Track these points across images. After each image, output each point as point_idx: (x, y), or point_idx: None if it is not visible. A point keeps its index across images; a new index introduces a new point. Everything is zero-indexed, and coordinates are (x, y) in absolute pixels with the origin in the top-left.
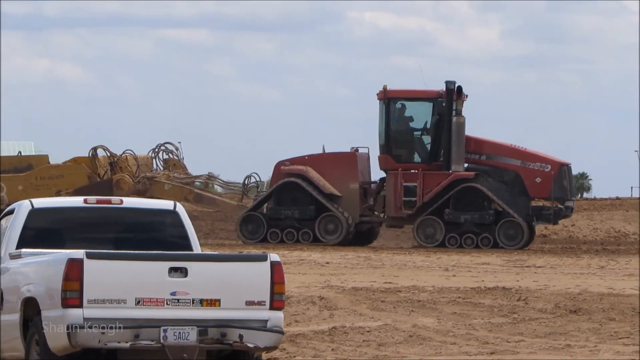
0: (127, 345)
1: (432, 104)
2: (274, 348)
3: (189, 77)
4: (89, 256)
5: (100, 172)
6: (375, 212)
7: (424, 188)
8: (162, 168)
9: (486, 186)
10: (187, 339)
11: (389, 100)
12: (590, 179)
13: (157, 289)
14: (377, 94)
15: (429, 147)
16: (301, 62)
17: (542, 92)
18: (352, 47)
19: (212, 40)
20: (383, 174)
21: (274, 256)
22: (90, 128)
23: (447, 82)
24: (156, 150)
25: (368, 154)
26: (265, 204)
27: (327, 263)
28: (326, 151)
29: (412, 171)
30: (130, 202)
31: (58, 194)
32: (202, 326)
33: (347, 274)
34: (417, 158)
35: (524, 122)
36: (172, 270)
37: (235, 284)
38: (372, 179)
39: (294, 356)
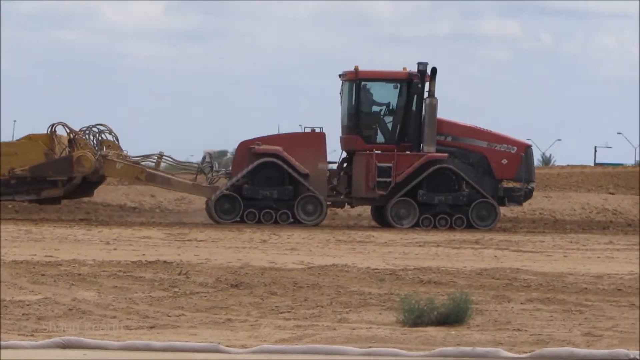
0: None
1: (402, 85)
2: None
3: None
4: None
5: (57, 150)
6: (335, 192)
7: (396, 169)
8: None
9: (457, 167)
10: None
11: (360, 81)
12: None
13: None
14: (344, 75)
15: (398, 128)
16: None
17: (207, 67)
18: (14, 20)
19: None
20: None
21: None
22: None
23: (419, 64)
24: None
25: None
26: (230, 184)
27: None
28: (280, 131)
29: (377, 152)
30: None
31: (11, 171)
32: None
33: (8, 247)
34: (387, 139)
35: (190, 97)
36: None
37: None
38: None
39: None
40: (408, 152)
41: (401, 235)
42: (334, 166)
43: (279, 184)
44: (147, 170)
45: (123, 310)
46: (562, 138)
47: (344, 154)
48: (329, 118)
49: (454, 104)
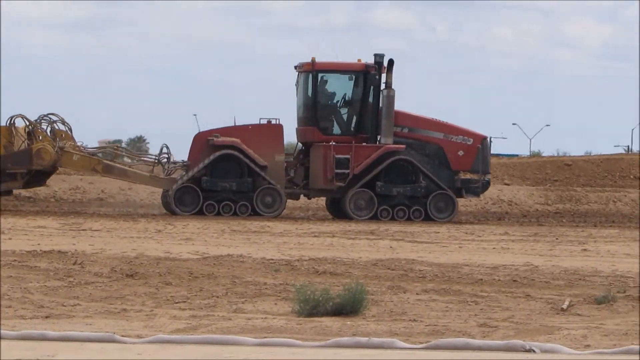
0: None
1: (359, 76)
2: None
3: None
4: None
5: (17, 142)
6: (292, 184)
7: (354, 161)
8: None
9: (414, 159)
10: None
11: (317, 72)
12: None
13: None
14: (301, 66)
15: (355, 119)
16: None
17: (100, 56)
18: None
19: None
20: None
21: None
22: None
23: (376, 55)
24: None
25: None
26: (189, 176)
27: None
28: (237, 123)
29: (335, 143)
30: None
31: None
32: None
33: None
34: (343, 130)
35: (81, 88)
36: None
37: None
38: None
39: None
40: (366, 144)
41: (296, 225)
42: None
43: (237, 175)
44: (104, 161)
45: (18, 299)
46: None
47: (300, 146)
48: (227, 107)
49: None
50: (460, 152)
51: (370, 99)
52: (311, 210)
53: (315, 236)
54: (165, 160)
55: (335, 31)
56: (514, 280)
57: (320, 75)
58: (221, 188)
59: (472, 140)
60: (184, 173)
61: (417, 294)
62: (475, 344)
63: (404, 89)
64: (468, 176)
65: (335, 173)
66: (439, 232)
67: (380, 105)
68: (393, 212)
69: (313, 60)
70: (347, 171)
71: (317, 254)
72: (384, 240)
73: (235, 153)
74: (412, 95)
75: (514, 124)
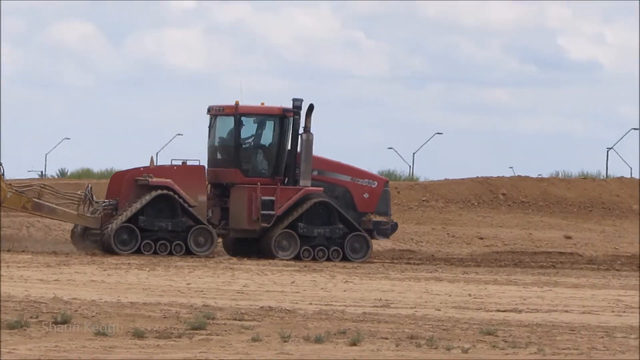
0: None
1: (278, 120)
2: None
3: None
4: None
5: None
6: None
7: (278, 202)
8: None
9: (332, 201)
10: None
11: (239, 115)
12: None
13: None
14: (221, 109)
15: (274, 161)
16: None
17: None
18: None
19: None
20: None
21: None
22: None
23: (294, 100)
24: None
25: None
26: (128, 216)
27: None
28: (155, 163)
29: (258, 185)
30: None
31: None
32: None
33: None
34: (264, 172)
35: None
36: None
37: None
38: None
39: None
40: (287, 186)
41: None
42: None
43: (170, 215)
44: (34, 200)
45: None
46: None
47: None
48: None
49: None
50: (366, 195)
51: (289, 142)
52: None
53: None
54: (91, 198)
55: None
56: None
57: (242, 118)
58: (158, 227)
59: (376, 183)
60: (101, 211)
61: None
62: None
63: None
64: (379, 219)
65: (262, 214)
66: None
67: (299, 148)
68: (314, 252)
69: (237, 103)
70: (272, 212)
71: None
72: None
73: (170, 193)
74: None
75: None
